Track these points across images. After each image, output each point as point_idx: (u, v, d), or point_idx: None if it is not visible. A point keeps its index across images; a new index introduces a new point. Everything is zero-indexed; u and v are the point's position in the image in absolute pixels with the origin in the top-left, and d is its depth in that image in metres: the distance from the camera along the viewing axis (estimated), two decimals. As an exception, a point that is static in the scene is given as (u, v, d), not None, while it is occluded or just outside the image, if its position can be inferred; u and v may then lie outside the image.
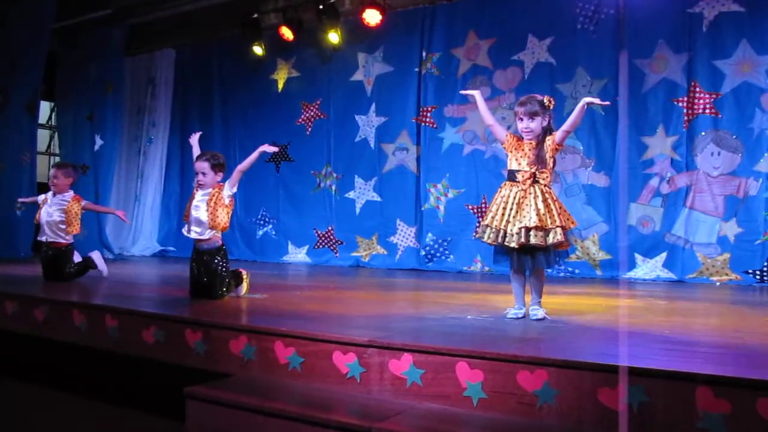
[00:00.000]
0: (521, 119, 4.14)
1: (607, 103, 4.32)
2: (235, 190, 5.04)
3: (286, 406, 3.06)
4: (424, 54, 8.79)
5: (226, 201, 4.97)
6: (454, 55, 8.60)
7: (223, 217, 4.96)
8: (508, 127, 4.44)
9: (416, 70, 8.83)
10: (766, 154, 7.00)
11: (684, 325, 4.19)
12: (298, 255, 9.64)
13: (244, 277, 5.26)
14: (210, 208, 4.92)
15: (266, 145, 5.05)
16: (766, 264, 6.94)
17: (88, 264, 6.34)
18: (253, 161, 5.02)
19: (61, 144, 10.88)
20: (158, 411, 3.76)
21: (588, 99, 4.06)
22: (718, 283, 7.02)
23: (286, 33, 9.29)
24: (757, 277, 6.95)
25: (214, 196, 4.95)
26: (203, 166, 4.98)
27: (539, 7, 8.07)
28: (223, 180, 5.06)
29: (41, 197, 6.41)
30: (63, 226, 6.17)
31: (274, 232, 9.92)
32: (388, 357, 3.15)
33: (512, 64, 8.22)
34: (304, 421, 2.91)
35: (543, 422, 2.74)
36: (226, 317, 4.06)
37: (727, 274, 7.09)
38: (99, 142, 10.15)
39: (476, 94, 4.46)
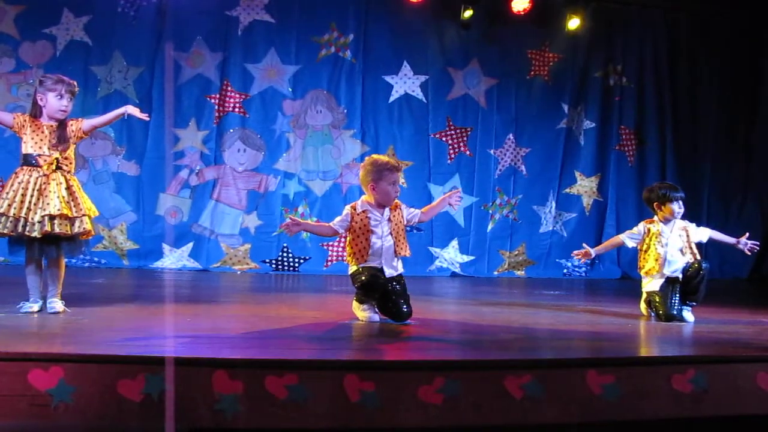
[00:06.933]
0: (61, 96, 3.89)
1: (147, 117, 4.26)
2: None
3: None
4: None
5: None
6: (-28, 17, 7.57)
7: None
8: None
9: None
10: (284, 154, 7.75)
11: (207, 313, 4.38)
12: None
13: None
14: None
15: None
16: (280, 254, 7.68)
17: None
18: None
19: None
20: None
21: (131, 109, 4.02)
22: (239, 272, 7.52)
23: None
24: (273, 266, 7.66)
25: None
26: None
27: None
28: None
29: None
30: None
31: None
32: None
33: (43, 37, 7.52)
34: None
35: (59, 423, 2.60)
36: None
37: (247, 264, 7.64)
38: None
39: None
